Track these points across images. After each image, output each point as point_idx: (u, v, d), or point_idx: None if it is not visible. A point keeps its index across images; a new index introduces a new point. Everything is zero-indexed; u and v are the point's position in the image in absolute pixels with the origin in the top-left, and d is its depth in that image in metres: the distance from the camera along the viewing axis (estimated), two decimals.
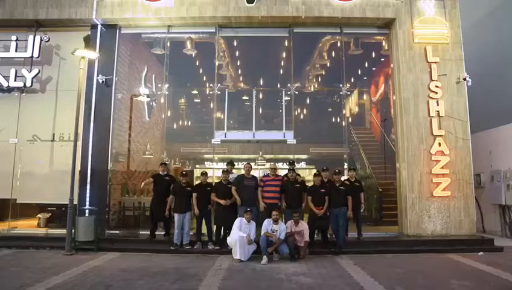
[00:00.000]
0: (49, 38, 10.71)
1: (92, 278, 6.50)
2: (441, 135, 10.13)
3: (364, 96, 18.66)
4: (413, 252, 8.86)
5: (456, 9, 10.73)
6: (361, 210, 9.42)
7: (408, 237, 9.77)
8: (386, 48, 12.35)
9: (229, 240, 8.18)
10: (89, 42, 9.49)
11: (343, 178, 9.39)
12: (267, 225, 8.12)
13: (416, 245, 9.19)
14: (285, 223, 8.32)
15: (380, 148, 16.49)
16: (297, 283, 6.34)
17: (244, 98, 16.62)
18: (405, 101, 10.38)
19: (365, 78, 17.76)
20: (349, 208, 8.79)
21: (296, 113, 11.47)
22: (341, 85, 11.29)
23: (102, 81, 10.62)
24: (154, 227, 9.38)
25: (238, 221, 8.25)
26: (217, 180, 9.97)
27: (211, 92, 11.42)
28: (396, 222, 10.87)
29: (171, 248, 8.75)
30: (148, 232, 9.40)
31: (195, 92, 18.56)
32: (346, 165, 11.40)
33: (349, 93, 11.63)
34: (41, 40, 10.65)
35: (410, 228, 9.89)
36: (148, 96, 13.39)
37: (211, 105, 11.81)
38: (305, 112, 16.82)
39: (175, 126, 17.58)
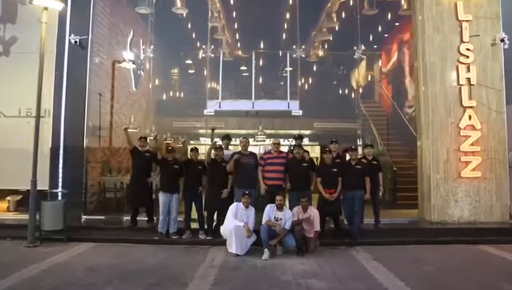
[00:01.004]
0: None
1: (48, 280, 5.15)
2: (471, 106, 8.65)
3: (374, 67, 17.12)
4: (438, 243, 7.56)
5: None
6: (380, 193, 8.05)
7: (431, 224, 8.45)
8: (405, 7, 10.76)
9: (222, 229, 6.82)
10: None
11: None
12: (270, 211, 6.76)
13: (441, 234, 7.88)
14: (291, 210, 6.95)
15: (391, 123, 15.10)
16: (308, 289, 5.02)
17: (243, 68, 15.07)
18: (430, 66, 8.85)
19: (376, 45, 16.15)
20: (367, 191, 7.42)
21: (300, 83, 9.84)
22: (355, 47, 9.67)
23: (76, 42, 9.01)
24: (135, 212, 8.00)
25: (233, 206, 6.89)
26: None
27: (203, 55, 9.83)
28: (413, 205, 9.58)
29: (155, 238, 7.41)
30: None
31: (188, 61, 16.99)
32: (359, 142, 9.96)
33: (363, 56, 9.95)
34: None
35: (433, 214, 8.55)
36: (133, 62, 11.78)
37: (205, 73, 10.31)
38: (309, 82, 15.25)
39: (166, 98, 16.12)
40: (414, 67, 10.33)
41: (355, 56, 9.87)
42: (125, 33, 12.09)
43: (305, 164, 7.47)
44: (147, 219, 8.10)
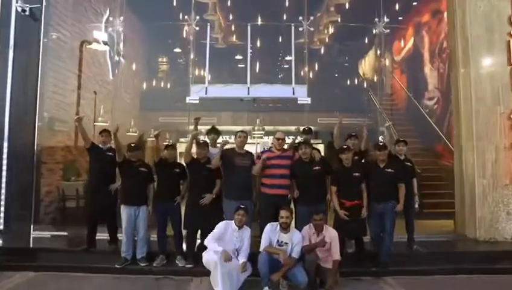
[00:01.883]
0: None
1: None
2: None
3: (385, 55, 15.24)
4: (494, 273, 5.68)
5: None
6: (416, 205, 6.15)
7: (477, 243, 6.59)
8: None
9: (205, 258, 4.93)
10: None
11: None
12: (271, 233, 4.89)
13: (496, 258, 6.00)
14: (300, 230, 5.08)
15: (407, 117, 13.30)
16: None
17: (238, 57, 13.16)
18: (473, 41, 6.98)
19: (387, 30, 14.27)
20: (401, 202, 5.55)
21: (305, 67, 7.95)
22: (376, 19, 7.75)
23: (24, 11, 7.11)
24: (92, 230, 6.07)
25: (222, 225, 5.01)
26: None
27: (187, 27, 7.89)
28: (443, 215, 7.92)
29: (117, 266, 5.51)
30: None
31: (177, 50, 15.07)
32: (381, 138, 8.15)
33: (387, 31, 8.08)
34: None
35: (479, 229, 6.67)
36: (107, 44, 9.87)
37: (191, 55, 8.42)
38: (311, 71, 13.37)
39: (152, 88, 14.18)
40: (443, 51, 8.53)
41: (375, 31, 7.88)
42: (98, 11, 10.20)
43: (317, 167, 5.56)
44: (108, 238, 6.16)
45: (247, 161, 5.68)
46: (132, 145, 5.78)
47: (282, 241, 4.83)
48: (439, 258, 5.99)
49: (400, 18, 13.32)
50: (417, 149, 11.16)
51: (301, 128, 6.52)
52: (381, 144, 5.85)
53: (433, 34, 11.85)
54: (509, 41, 6.87)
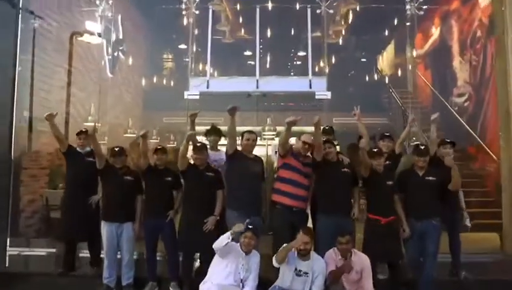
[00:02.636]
0: None
1: None
2: None
3: (406, 49, 14.08)
4: None
5: None
6: (467, 221, 5.03)
7: None
8: None
9: (202, 289, 3.92)
10: None
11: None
12: (289, 260, 3.85)
13: None
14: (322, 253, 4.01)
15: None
16: None
17: (247, 53, 12.14)
18: None
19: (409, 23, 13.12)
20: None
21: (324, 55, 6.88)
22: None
23: None
24: (69, 250, 5.07)
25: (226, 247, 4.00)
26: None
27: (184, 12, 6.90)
28: (482, 226, 6.60)
29: None
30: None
31: (182, 46, 14.12)
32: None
33: (422, 13, 7.01)
34: None
35: None
36: (100, 35, 8.95)
37: (189, 43, 7.44)
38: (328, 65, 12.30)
39: (155, 86, 13.27)
40: (471, 44, 7.41)
41: (408, 12, 6.76)
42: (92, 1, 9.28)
43: (346, 169, 4.56)
44: (90, 259, 5.17)
45: (257, 167, 4.67)
46: (115, 149, 4.79)
47: (301, 271, 3.82)
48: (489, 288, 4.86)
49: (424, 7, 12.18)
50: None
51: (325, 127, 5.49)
52: (422, 147, 4.73)
53: (464, 22, 10.67)
54: None
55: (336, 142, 4.88)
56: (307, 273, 3.79)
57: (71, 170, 5.07)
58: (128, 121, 10.17)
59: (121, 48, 10.20)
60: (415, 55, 13.44)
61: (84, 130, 5.15)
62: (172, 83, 13.05)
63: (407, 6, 6.84)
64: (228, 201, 4.62)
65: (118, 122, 10.08)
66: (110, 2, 8.27)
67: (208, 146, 4.98)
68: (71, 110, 8.25)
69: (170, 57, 14.52)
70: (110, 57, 9.83)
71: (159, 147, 4.92)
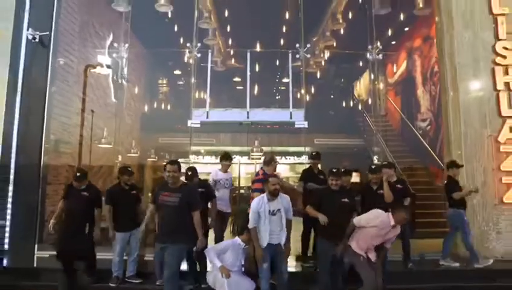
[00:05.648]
0: None
1: None
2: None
3: (379, 78, 15.71)
4: None
5: None
6: None
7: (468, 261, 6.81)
8: (421, 5, 9.39)
9: (211, 278, 5.09)
10: None
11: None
12: (259, 207, 4.82)
13: (488, 277, 6.21)
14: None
15: (401, 139, 13.71)
16: None
17: (236, 79, 13.60)
18: (460, 68, 7.40)
19: (380, 55, 14.78)
20: None
21: (303, 91, 8.32)
22: (369, 46, 8.19)
23: (34, 38, 7.46)
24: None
25: (226, 243, 5.26)
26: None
27: (188, 55, 8.27)
28: (436, 234, 7.96)
29: (111, 284, 5.64)
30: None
31: (177, 72, 15.52)
32: (376, 160, 8.46)
33: (380, 57, 8.51)
34: None
35: None
36: (110, 67, 10.21)
37: (192, 80, 8.79)
38: (307, 94, 13.78)
39: (152, 110, 14.59)
40: (434, 75, 8.97)
41: (368, 56, 8.29)
42: (102, 35, 10.58)
43: (345, 199, 5.11)
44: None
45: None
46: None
47: (274, 210, 4.82)
48: (432, 276, 6.22)
49: (393, 42, 13.87)
50: (413, 169, 11.53)
51: (312, 152, 6.79)
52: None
53: (424, 58, 12.31)
54: (493, 68, 7.29)
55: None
56: (279, 209, 4.83)
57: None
58: (131, 141, 11.32)
59: (124, 77, 11.50)
60: (387, 84, 15.18)
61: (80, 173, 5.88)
62: (168, 108, 14.42)
63: (368, 54, 8.20)
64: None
65: (122, 142, 11.21)
66: (121, 40, 9.50)
67: (220, 169, 6.21)
68: (85, 132, 9.38)
69: (165, 83, 15.86)
70: (117, 83, 11.13)
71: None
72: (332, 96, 16.62)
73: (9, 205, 7.08)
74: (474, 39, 7.42)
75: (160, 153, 14.38)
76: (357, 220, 4.78)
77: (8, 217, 7.04)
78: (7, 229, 6.98)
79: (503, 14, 7.38)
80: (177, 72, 15.42)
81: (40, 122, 7.46)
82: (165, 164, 4.97)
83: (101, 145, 9.37)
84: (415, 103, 12.98)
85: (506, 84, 7.24)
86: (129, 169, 6.02)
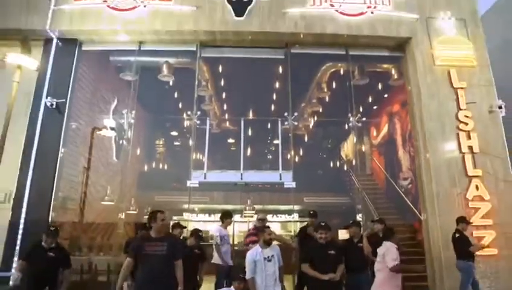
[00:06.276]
0: None
1: None
2: (477, 176, 8.06)
3: (364, 140, 16.83)
4: None
5: (478, 28, 9.18)
6: None
7: None
8: (396, 76, 10.64)
9: None
10: (26, 47, 7.41)
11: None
12: (255, 256, 5.24)
13: None
14: None
15: (386, 196, 14.42)
16: None
17: (230, 140, 14.56)
18: (429, 134, 8.40)
19: (364, 118, 16.02)
20: None
21: (292, 154, 9.20)
22: (349, 115, 9.23)
23: (52, 105, 8.40)
24: None
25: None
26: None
27: (189, 122, 9.21)
28: (419, 288, 8.49)
29: None
30: None
31: (174, 133, 16.51)
32: (360, 217, 9.13)
33: (359, 124, 9.52)
34: None
35: None
36: (114, 130, 11.09)
37: (190, 142, 9.65)
38: (298, 154, 14.75)
39: (149, 169, 15.28)
40: (409, 138, 9.95)
41: (350, 124, 9.30)
42: (107, 99, 11.60)
43: (332, 252, 5.38)
44: None
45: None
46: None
47: (269, 256, 5.27)
48: None
49: (375, 107, 15.14)
50: (397, 226, 12.11)
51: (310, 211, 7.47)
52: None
53: (403, 122, 13.45)
54: (458, 133, 8.29)
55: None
56: (273, 255, 5.30)
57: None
58: (129, 199, 11.88)
59: (125, 137, 12.36)
60: (371, 145, 16.24)
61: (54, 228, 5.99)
62: (165, 167, 15.18)
63: (349, 122, 9.26)
64: None
65: (121, 200, 11.79)
66: (124, 104, 10.48)
67: (222, 226, 6.92)
68: (88, 189, 10.01)
69: (162, 144, 16.74)
70: (118, 144, 11.96)
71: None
72: (320, 157, 17.55)
73: (15, 259, 7.54)
74: (440, 108, 8.50)
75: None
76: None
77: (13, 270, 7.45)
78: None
79: (462, 88, 8.54)
80: (174, 133, 16.41)
81: (51, 181, 8.19)
82: (151, 213, 4.93)
83: (104, 203, 9.95)
84: (397, 163, 13.89)
85: (470, 147, 8.20)
86: (146, 225, 6.60)
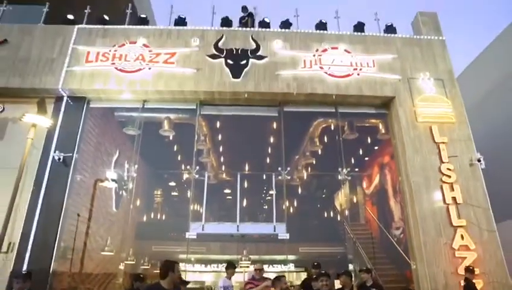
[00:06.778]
0: (3, 108, 9.24)
1: None
2: (462, 226, 8.49)
3: (357, 190, 17.30)
4: None
5: (456, 88, 10.01)
6: None
7: None
8: (383, 131, 11.33)
9: None
10: (42, 108, 8.06)
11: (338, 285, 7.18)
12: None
13: None
14: None
15: (379, 245, 14.65)
16: None
17: (227, 191, 15.00)
18: (415, 186, 8.92)
19: (357, 169, 16.60)
20: None
21: (285, 206, 9.66)
22: (340, 169, 9.79)
23: (59, 159, 8.92)
24: None
25: None
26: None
27: (188, 176, 9.73)
28: None
29: None
30: None
31: (172, 183, 16.93)
32: (352, 267, 9.40)
33: (349, 178, 10.05)
34: None
35: None
36: (115, 181, 11.55)
37: (189, 195, 10.09)
38: (293, 205, 15.16)
39: (147, 219, 15.54)
40: (399, 189, 10.44)
41: (340, 177, 9.84)
42: (110, 152, 12.15)
43: None
44: None
45: None
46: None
47: None
48: None
49: (366, 158, 15.77)
50: (391, 275, 12.30)
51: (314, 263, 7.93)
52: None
53: (393, 173, 14.01)
54: (441, 185, 8.82)
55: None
56: None
57: None
58: (127, 249, 12.07)
59: (125, 188, 12.76)
60: (364, 195, 16.68)
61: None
62: (163, 218, 15.46)
63: (339, 175, 9.81)
64: None
65: (119, 250, 11.98)
66: (129, 159, 11.02)
67: (227, 276, 7.25)
68: (88, 239, 10.27)
69: (160, 193, 17.11)
70: (119, 195, 12.34)
71: None
72: (315, 207, 17.89)
73: None
74: (424, 162, 9.09)
75: (151, 261, 14.91)
76: None
77: None
78: None
79: (443, 142, 9.19)
80: (172, 183, 16.84)
81: (55, 232, 8.53)
82: (167, 263, 4.86)
83: (104, 253, 10.18)
84: (389, 213, 14.28)
85: (453, 198, 8.69)
86: (141, 276, 6.98)
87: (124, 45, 9.98)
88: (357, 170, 16.63)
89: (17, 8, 10.85)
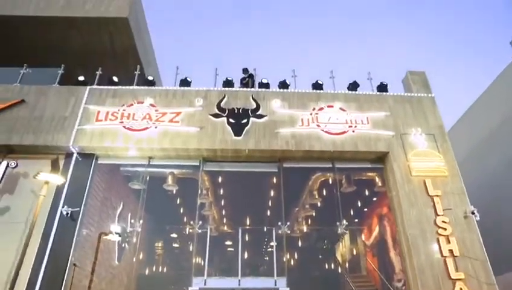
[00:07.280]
0: (16, 164, 9.66)
1: None
2: (460, 279, 8.63)
3: (358, 241, 17.33)
4: None
5: (447, 143, 10.54)
6: None
7: None
8: (380, 184, 11.72)
9: None
10: (56, 166, 8.49)
11: None
12: None
13: None
14: None
15: None
16: None
17: (228, 243, 15.10)
18: (412, 239, 9.17)
19: (356, 220, 16.76)
20: None
21: (285, 259, 9.87)
22: (338, 223, 10.08)
23: (67, 214, 9.25)
24: None
25: None
26: None
27: (190, 230, 10.01)
28: None
29: None
30: None
31: (174, 235, 17.01)
32: None
33: (346, 232, 10.31)
34: (7, 166, 9.53)
35: None
36: (119, 235, 11.75)
37: (190, 248, 10.29)
38: (294, 258, 15.17)
39: (149, 272, 15.47)
40: (397, 240, 10.64)
41: (338, 231, 10.11)
42: (115, 206, 12.44)
43: None
44: None
45: None
46: None
47: None
48: None
49: (365, 209, 15.99)
50: None
51: None
52: None
53: (392, 224, 14.18)
54: (438, 238, 9.06)
55: None
56: None
57: None
58: None
59: (127, 240, 12.92)
60: (365, 246, 16.69)
61: None
62: (165, 270, 15.40)
63: (338, 229, 10.10)
64: None
65: None
66: (133, 213, 11.32)
67: None
68: None
69: (161, 245, 17.14)
70: (121, 248, 12.48)
71: None
72: (316, 258, 17.83)
73: None
74: (420, 215, 9.40)
75: None
76: None
77: None
78: None
79: (437, 195, 9.55)
80: (173, 235, 16.93)
81: (59, 286, 8.62)
82: None
83: None
84: (389, 264, 14.28)
85: (450, 251, 8.91)
86: None
87: (132, 104, 10.64)
88: (356, 221, 16.78)
89: (35, 70, 11.63)
